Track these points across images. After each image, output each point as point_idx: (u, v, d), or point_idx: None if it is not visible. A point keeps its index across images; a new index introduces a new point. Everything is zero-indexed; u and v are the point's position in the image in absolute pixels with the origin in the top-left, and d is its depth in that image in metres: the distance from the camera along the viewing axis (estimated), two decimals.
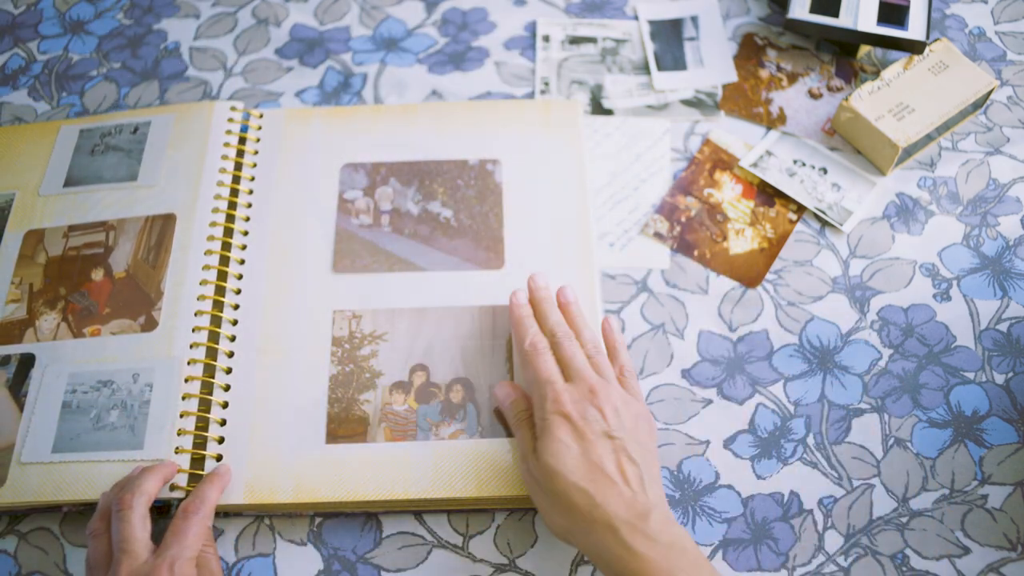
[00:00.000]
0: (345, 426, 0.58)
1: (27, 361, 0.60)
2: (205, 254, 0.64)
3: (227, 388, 0.59)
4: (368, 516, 0.57)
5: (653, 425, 0.55)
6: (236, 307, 0.62)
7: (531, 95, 0.74)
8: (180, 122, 0.70)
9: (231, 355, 0.61)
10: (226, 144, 0.69)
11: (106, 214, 0.66)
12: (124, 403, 0.58)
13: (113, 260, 0.64)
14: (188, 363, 0.59)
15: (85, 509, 0.57)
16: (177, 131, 0.69)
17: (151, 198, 0.66)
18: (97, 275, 0.63)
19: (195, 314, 0.61)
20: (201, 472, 0.56)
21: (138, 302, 0.62)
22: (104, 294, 0.62)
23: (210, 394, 0.59)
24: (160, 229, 0.65)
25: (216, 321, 0.62)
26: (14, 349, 0.61)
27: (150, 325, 0.61)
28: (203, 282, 0.62)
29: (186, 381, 0.59)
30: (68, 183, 0.67)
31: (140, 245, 0.64)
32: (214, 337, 0.61)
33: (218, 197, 0.66)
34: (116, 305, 0.62)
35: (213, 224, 0.65)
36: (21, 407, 0.58)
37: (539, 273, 0.61)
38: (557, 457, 0.50)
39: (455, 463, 0.56)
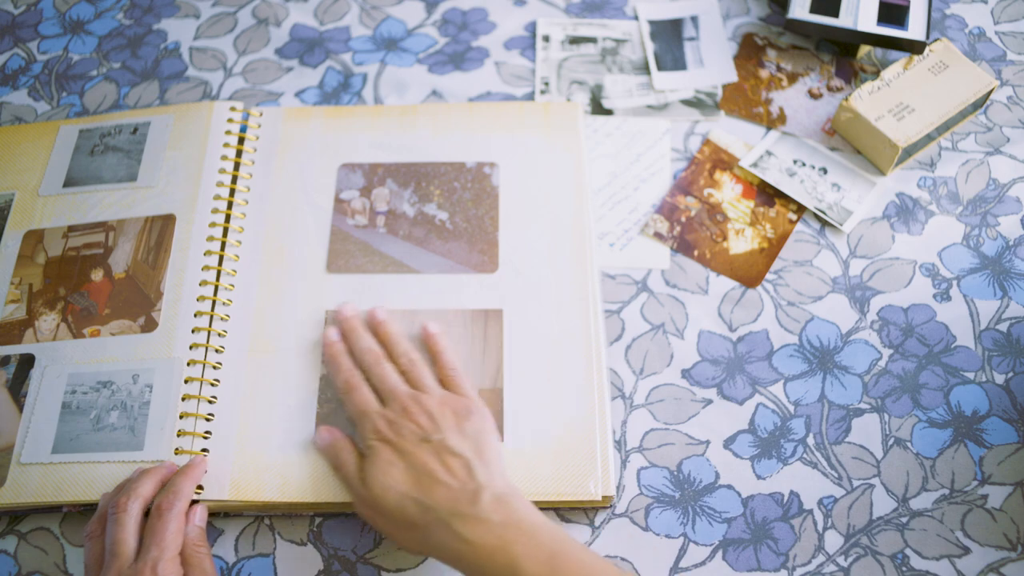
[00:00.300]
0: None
1: (27, 361, 0.60)
2: (204, 255, 0.64)
3: (216, 384, 0.59)
4: None
5: (480, 413, 0.56)
6: (229, 303, 0.62)
7: (531, 95, 0.74)
8: (179, 122, 0.70)
9: (220, 351, 0.61)
10: (225, 144, 0.68)
11: (105, 215, 0.66)
12: (124, 404, 0.58)
13: (113, 261, 0.64)
14: (188, 364, 0.59)
15: (85, 509, 0.57)
16: (176, 131, 0.69)
17: (151, 199, 0.66)
18: (97, 276, 0.63)
19: (195, 315, 0.61)
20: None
21: (138, 303, 0.62)
22: (104, 295, 0.62)
23: (201, 393, 0.59)
24: (160, 230, 0.65)
25: (215, 322, 0.62)
26: (14, 349, 0.61)
27: (150, 326, 0.61)
28: (203, 283, 0.62)
29: (186, 382, 0.59)
30: (68, 183, 0.68)
31: (140, 246, 0.64)
32: (213, 337, 0.61)
33: (217, 197, 0.66)
34: (116, 306, 0.62)
35: (212, 224, 0.65)
36: (21, 408, 0.58)
37: (347, 304, 0.62)
38: (384, 475, 0.52)
39: None
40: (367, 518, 0.53)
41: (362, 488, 0.53)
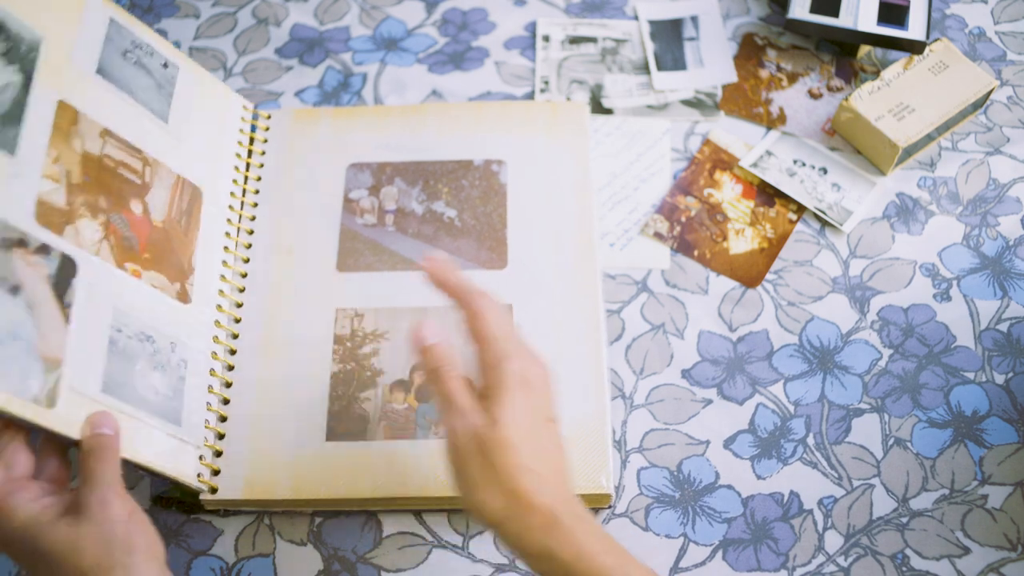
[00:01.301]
0: (345, 424, 0.58)
1: (69, 265, 0.53)
2: (223, 250, 0.63)
3: (229, 384, 0.60)
4: (368, 516, 0.57)
5: None
6: (240, 305, 0.62)
7: (531, 95, 0.74)
8: (202, 86, 0.66)
9: (234, 352, 0.61)
10: (239, 143, 0.68)
11: (141, 142, 0.60)
12: (165, 368, 0.55)
13: (150, 200, 0.59)
14: (211, 356, 0.59)
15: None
16: (200, 93, 0.66)
17: (181, 155, 0.62)
18: (136, 208, 0.58)
19: (216, 308, 0.61)
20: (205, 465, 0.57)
21: (174, 264, 0.59)
22: (144, 233, 0.58)
23: (216, 389, 0.59)
24: (190, 197, 0.62)
25: (228, 320, 0.62)
26: (55, 241, 0.52)
27: (184, 297, 0.59)
28: (221, 278, 0.62)
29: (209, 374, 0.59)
30: (101, 72, 0.59)
31: (173, 203, 0.61)
32: (226, 334, 0.61)
33: (232, 195, 0.66)
34: (155, 253, 0.58)
35: (228, 222, 0.65)
36: (66, 317, 0.51)
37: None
38: (519, 432, 0.45)
39: None
40: (458, 453, 0.45)
41: (481, 421, 0.45)
